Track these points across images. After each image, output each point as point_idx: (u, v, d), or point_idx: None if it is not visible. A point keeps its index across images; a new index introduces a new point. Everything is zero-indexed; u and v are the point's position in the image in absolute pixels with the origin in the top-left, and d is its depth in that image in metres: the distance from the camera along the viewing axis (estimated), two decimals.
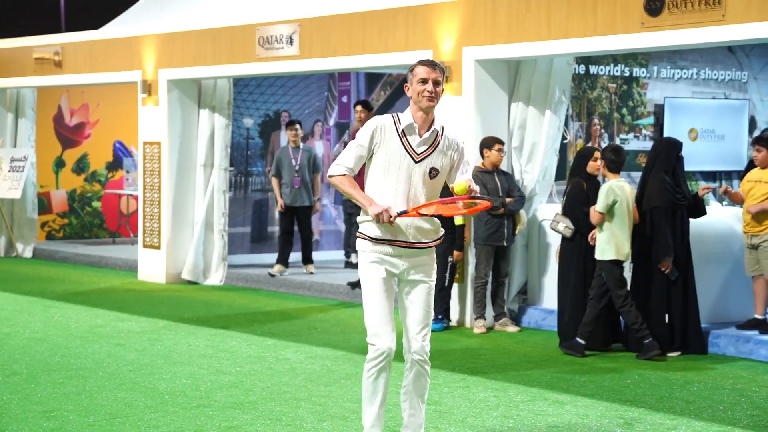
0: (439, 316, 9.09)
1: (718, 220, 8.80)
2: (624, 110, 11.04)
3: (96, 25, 14.25)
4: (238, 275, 12.13)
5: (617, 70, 10.90)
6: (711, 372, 7.38)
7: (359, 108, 10.65)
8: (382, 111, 13.72)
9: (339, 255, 13.39)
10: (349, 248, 12.62)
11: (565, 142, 10.33)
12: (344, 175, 4.90)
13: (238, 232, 12.93)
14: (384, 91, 13.78)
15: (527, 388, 6.78)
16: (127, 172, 15.72)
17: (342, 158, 4.95)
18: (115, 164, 16.28)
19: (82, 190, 16.06)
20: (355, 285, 10.72)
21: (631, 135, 10.97)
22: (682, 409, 6.34)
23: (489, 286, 9.04)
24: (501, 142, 8.92)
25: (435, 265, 5.04)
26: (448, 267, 9.02)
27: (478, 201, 4.88)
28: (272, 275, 11.62)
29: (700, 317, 8.02)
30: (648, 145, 11.12)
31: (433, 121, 4.94)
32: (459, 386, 6.84)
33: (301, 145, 11.76)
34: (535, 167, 9.31)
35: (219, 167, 12.04)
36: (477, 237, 9.01)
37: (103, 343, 8.24)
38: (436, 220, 5.00)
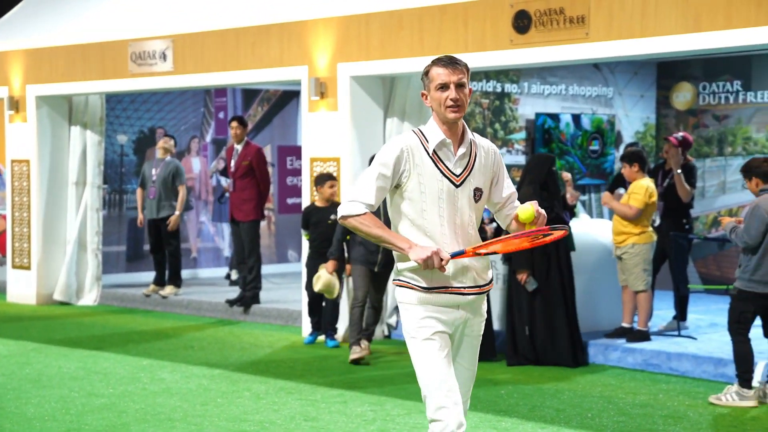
0: (332, 333, 9.05)
1: (584, 232, 9.05)
2: (497, 125, 11.28)
3: None
4: (113, 295, 11.87)
5: (489, 86, 11.14)
6: (581, 380, 7.59)
7: (234, 124, 10.58)
8: (259, 127, 13.68)
9: (217, 272, 13.26)
10: (232, 265, 12.50)
11: None
12: (364, 214, 3.87)
13: (113, 251, 12.65)
14: (261, 107, 13.73)
15: (403, 402, 6.84)
16: None
17: (356, 192, 3.90)
18: None
19: None
20: (234, 302, 10.63)
21: (504, 149, 11.22)
22: (553, 417, 6.49)
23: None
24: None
25: (486, 314, 4.13)
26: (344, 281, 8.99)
27: (552, 231, 3.89)
28: (164, 297, 11.39)
29: (579, 329, 8.18)
30: (520, 159, 11.38)
31: (464, 131, 3.99)
32: (336, 401, 6.85)
33: (167, 158, 11.53)
34: None
35: (92, 185, 11.76)
36: (352, 258, 8.43)
37: None
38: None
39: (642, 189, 8.32)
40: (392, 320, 9.50)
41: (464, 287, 3.94)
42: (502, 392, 7.16)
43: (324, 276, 8.53)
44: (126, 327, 10.17)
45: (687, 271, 9.02)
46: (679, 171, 8.70)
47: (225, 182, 12.09)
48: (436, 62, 3.93)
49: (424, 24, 8.72)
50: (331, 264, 8.53)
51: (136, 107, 12.83)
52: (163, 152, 11.52)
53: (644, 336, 8.30)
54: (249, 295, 10.59)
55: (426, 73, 3.96)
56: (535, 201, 4.04)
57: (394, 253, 3.97)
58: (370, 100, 9.42)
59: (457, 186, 3.92)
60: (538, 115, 11.36)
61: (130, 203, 12.77)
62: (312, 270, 8.91)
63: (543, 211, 3.95)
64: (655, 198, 8.35)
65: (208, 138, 13.56)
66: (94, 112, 11.81)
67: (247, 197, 10.51)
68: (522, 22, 8.09)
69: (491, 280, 4.06)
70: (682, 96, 12.04)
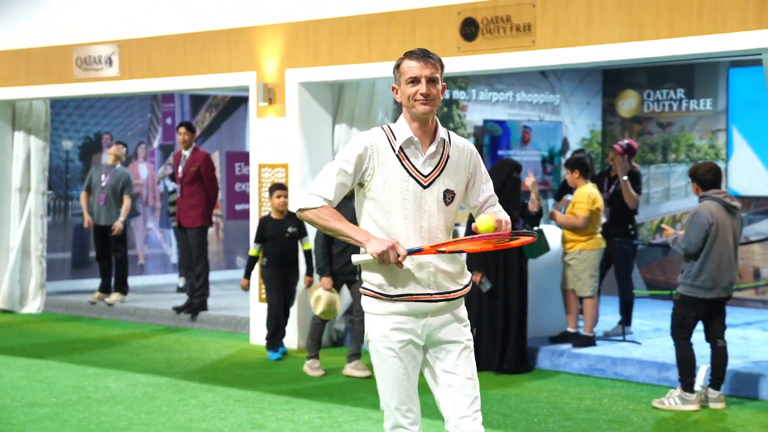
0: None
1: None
2: None
3: None
4: (58, 302, 11.70)
5: None
6: (527, 386, 7.64)
7: (182, 130, 10.50)
8: (207, 133, 13.59)
9: (165, 279, 13.14)
10: (182, 270, 12.39)
11: None
12: (322, 206, 3.69)
13: (57, 257, 12.48)
14: (209, 113, 13.65)
15: (352, 409, 6.83)
16: None
17: (316, 186, 3.73)
18: None
19: None
20: (181, 309, 10.55)
21: None
22: (500, 422, 6.53)
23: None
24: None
25: (467, 319, 3.88)
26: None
27: (518, 236, 3.73)
28: (110, 304, 11.25)
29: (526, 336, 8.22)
30: None
31: (436, 128, 3.78)
32: (284, 409, 6.82)
33: (117, 165, 11.44)
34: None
35: (36, 191, 11.59)
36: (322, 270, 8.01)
37: None
38: (460, 256, 3.83)
39: (584, 197, 8.40)
40: (340, 326, 9.49)
41: (432, 293, 3.73)
42: None
43: (324, 296, 7.82)
44: (71, 335, 10.03)
45: (632, 276, 9.14)
46: (625, 178, 8.81)
47: (171, 187, 12.04)
48: (408, 55, 3.75)
49: (372, 30, 8.74)
50: (326, 281, 7.85)
51: (81, 113, 12.68)
52: (113, 159, 11.41)
53: (590, 341, 8.38)
54: (196, 302, 10.51)
55: (397, 66, 3.77)
56: (497, 207, 3.88)
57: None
58: (318, 106, 9.41)
59: (424, 187, 3.71)
60: (486, 121, 11.43)
61: (76, 209, 12.61)
62: (270, 281, 8.62)
63: (506, 218, 3.73)
64: (599, 204, 8.43)
65: (156, 144, 13.45)
66: (39, 117, 11.65)
67: (195, 203, 10.44)
68: (469, 30, 8.14)
69: (466, 286, 3.83)
70: (627, 103, 12.20)
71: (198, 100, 13.48)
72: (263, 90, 9.36)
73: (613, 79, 12.29)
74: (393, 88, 3.80)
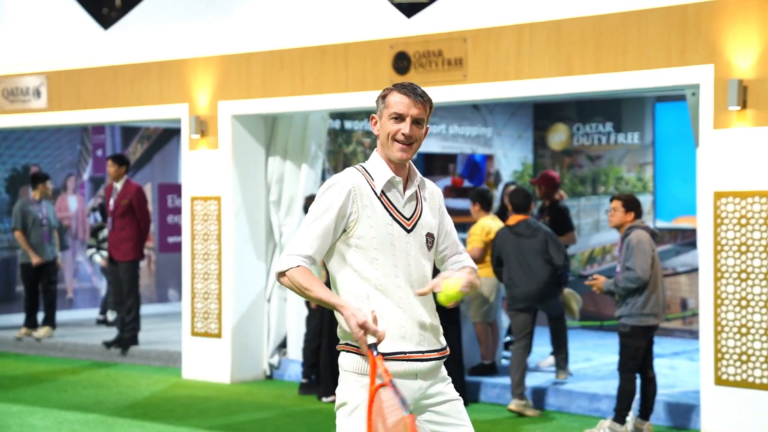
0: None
1: None
2: None
3: None
4: None
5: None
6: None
7: (109, 162, 10.37)
8: (139, 165, 13.46)
9: (94, 313, 12.92)
10: (107, 305, 12.21)
11: None
12: (297, 267, 3.28)
13: None
14: (141, 145, 13.52)
15: None
16: None
17: (294, 246, 3.32)
18: None
19: None
20: (111, 344, 10.37)
21: None
22: None
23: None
24: None
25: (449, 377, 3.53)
26: None
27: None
28: (38, 339, 11.01)
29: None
30: None
31: (410, 168, 3.46)
32: None
33: (44, 200, 11.30)
34: (293, 221, 9.40)
35: None
36: None
37: None
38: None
39: (479, 228, 8.56)
40: (274, 360, 9.42)
41: (424, 351, 3.35)
42: None
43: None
44: None
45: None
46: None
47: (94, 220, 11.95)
48: (398, 88, 3.38)
49: (305, 64, 8.77)
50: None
51: (8, 144, 12.47)
52: (43, 194, 11.23)
53: (488, 369, 8.47)
54: (127, 336, 10.35)
55: (383, 97, 3.41)
56: (469, 267, 3.50)
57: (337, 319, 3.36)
58: (251, 138, 9.38)
59: (408, 231, 3.38)
60: (419, 154, 11.52)
61: (2, 243, 12.35)
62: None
63: (472, 281, 3.40)
64: (492, 235, 8.45)
65: (86, 176, 13.27)
66: None
67: (126, 237, 10.31)
68: (402, 64, 8.22)
69: (445, 346, 3.48)
70: (558, 137, 12.39)
71: (129, 131, 13.35)
72: (195, 122, 9.31)
73: (543, 113, 12.48)
74: (372, 118, 3.44)
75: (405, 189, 3.42)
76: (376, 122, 3.42)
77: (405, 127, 3.34)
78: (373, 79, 8.36)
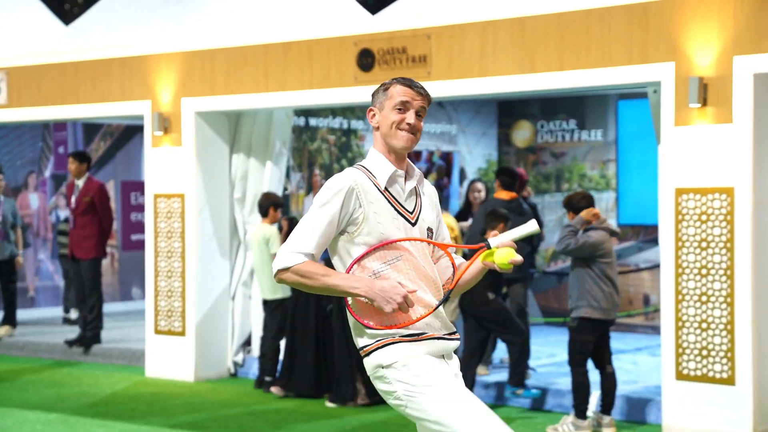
0: None
1: None
2: (344, 161, 11.37)
3: None
4: None
5: (336, 123, 11.23)
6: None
7: (70, 159, 10.26)
8: (102, 162, 13.34)
9: (56, 312, 12.79)
10: (68, 303, 12.09)
11: (287, 192, 10.48)
12: (304, 262, 3.29)
13: None
14: (104, 142, 13.41)
15: None
16: None
17: (294, 243, 3.32)
18: None
19: None
20: (73, 343, 10.27)
21: None
22: None
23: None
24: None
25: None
26: None
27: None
28: None
29: None
30: None
31: (409, 162, 3.52)
32: None
33: (1, 197, 11.16)
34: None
35: None
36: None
37: None
38: None
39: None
40: (239, 357, 9.38)
41: (447, 333, 3.41)
42: (348, 427, 7.17)
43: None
44: None
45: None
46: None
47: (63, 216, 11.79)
48: (400, 81, 3.43)
49: (269, 60, 8.73)
50: None
51: None
52: None
53: None
54: (90, 334, 10.26)
55: (385, 88, 3.44)
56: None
57: (350, 322, 3.39)
58: (215, 135, 9.33)
59: (412, 224, 3.41)
60: None
61: None
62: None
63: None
64: (456, 233, 8.44)
65: (47, 173, 13.13)
66: None
67: (88, 234, 10.21)
68: (366, 60, 8.21)
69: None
70: (522, 134, 12.45)
71: (92, 128, 13.23)
72: (158, 119, 9.25)
73: (507, 110, 12.54)
74: (370, 111, 3.46)
75: (405, 182, 3.46)
76: (374, 115, 3.45)
77: (410, 116, 3.40)
78: (338, 76, 8.35)
